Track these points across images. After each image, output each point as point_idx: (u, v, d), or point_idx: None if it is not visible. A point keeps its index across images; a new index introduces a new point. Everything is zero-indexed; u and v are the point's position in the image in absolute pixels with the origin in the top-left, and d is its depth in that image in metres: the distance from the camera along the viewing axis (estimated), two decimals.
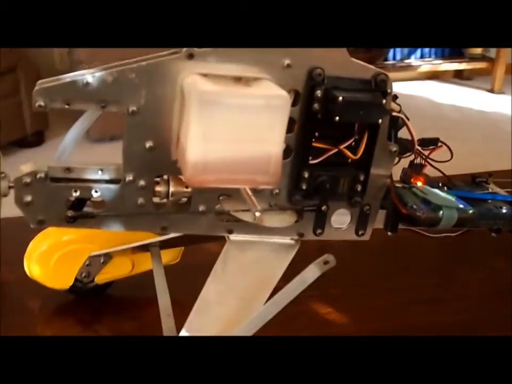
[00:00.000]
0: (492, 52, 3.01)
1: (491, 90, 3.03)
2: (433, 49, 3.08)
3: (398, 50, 3.01)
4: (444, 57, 3.09)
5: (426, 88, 3.08)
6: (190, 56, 0.46)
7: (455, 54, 3.08)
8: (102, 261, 0.70)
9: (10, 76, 2.29)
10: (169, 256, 0.73)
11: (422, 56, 3.06)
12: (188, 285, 0.58)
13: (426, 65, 3.02)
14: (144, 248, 0.69)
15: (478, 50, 3.03)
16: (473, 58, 3.05)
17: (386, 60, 2.97)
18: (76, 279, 0.70)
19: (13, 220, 0.85)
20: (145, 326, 0.69)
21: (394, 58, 3.00)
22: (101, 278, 0.71)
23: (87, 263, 0.69)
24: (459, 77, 3.25)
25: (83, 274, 0.70)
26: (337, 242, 0.57)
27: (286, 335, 0.65)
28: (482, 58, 3.05)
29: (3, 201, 0.49)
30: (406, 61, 3.02)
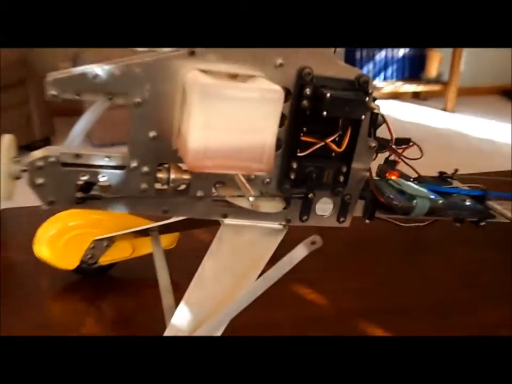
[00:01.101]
0: (445, 76, 3.02)
1: (444, 109, 3.04)
2: (394, 72, 3.09)
3: (365, 73, 3.02)
4: (404, 79, 3.10)
5: (388, 107, 3.09)
6: (191, 54, 0.44)
7: (414, 77, 3.10)
8: (105, 244, 0.67)
9: (20, 88, 2.25)
10: (166, 242, 0.71)
11: (385, 78, 3.07)
12: (182, 268, 0.56)
13: (388, 87, 3.03)
14: (143, 233, 0.67)
15: (433, 75, 3.05)
16: (429, 81, 3.06)
17: None
18: (81, 261, 0.67)
19: (21, 209, 0.83)
20: (144, 303, 0.67)
21: None
22: (104, 259, 0.69)
23: (91, 246, 0.67)
24: (417, 97, 3.27)
25: (88, 256, 0.67)
26: (316, 232, 0.55)
27: (269, 314, 0.64)
28: (436, 81, 3.06)
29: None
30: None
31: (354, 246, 0.81)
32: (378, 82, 3.04)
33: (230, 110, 0.40)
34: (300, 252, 0.43)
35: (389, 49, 3.02)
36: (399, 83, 3.06)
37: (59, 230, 0.66)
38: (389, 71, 3.06)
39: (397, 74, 3.08)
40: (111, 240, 0.67)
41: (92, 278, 0.70)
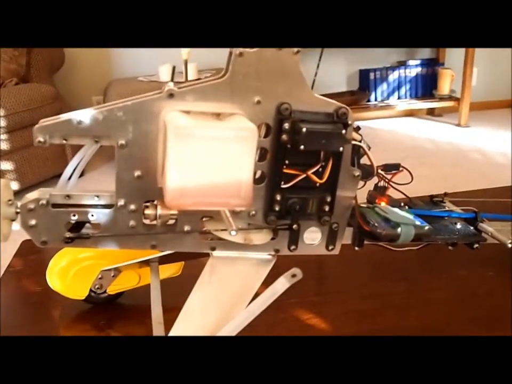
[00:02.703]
0: (458, 92, 2.96)
1: (458, 125, 2.98)
2: (408, 91, 3.04)
3: (379, 92, 2.99)
4: (417, 97, 3.05)
5: (403, 124, 3.04)
6: (170, 96, 0.43)
7: (427, 94, 3.04)
8: (112, 274, 0.67)
9: None
10: (172, 269, 0.70)
11: (399, 97, 3.03)
12: (186, 294, 0.55)
13: (403, 105, 2.98)
14: (147, 263, 0.66)
15: (446, 91, 2.99)
16: (442, 98, 3.00)
17: (369, 101, 2.94)
18: (90, 290, 0.67)
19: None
20: (151, 330, 0.65)
21: (375, 99, 2.97)
22: (112, 289, 0.68)
23: (99, 276, 0.67)
24: (431, 114, 3.20)
25: (96, 286, 0.67)
26: (319, 256, 0.53)
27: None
28: (449, 98, 3.00)
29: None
30: (386, 101, 2.99)
31: (356, 269, 0.79)
32: (392, 101, 3.00)
33: (205, 150, 0.40)
34: (280, 285, 0.42)
35: (402, 69, 2.98)
36: (413, 101, 3.01)
37: (68, 262, 0.66)
38: (403, 90, 3.02)
39: (411, 93, 3.03)
40: (117, 270, 0.67)
41: (101, 307, 0.69)
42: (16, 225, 0.46)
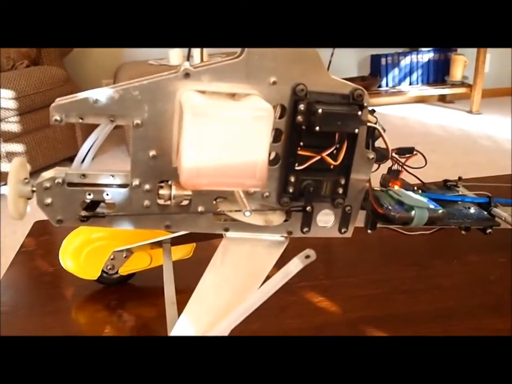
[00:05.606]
0: (470, 79, 2.93)
1: (470, 112, 2.96)
2: (420, 77, 3.02)
3: (390, 78, 2.96)
4: (429, 83, 3.02)
5: (415, 110, 3.02)
6: (186, 75, 0.43)
7: (439, 81, 3.02)
8: (124, 255, 0.68)
9: None
10: (183, 252, 0.70)
11: (410, 83, 3.00)
12: (197, 276, 0.55)
13: (415, 91, 2.96)
14: (160, 244, 0.66)
15: (458, 78, 2.96)
16: (454, 85, 2.98)
17: (380, 86, 2.92)
18: (102, 271, 0.68)
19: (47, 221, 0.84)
20: (162, 311, 0.66)
21: (387, 85, 2.95)
22: (124, 270, 0.69)
23: (112, 257, 0.67)
24: (442, 100, 3.18)
25: (108, 267, 0.68)
26: (330, 240, 0.53)
27: (280, 322, 0.63)
28: (461, 84, 2.97)
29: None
30: (397, 87, 2.96)
31: (368, 253, 0.79)
32: (404, 87, 2.97)
33: (221, 129, 0.40)
34: (294, 266, 0.42)
35: (414, 55, 2.96)
36: (425, 87, 2.99)
37: (82, 242, 0.66)
38: (414, 76, 3.00)
39: (422, 79, 3.01)
40: (130, 251, 0.67)
41: (113, 288, 0.70)
42: (28, 207, 0.47)
